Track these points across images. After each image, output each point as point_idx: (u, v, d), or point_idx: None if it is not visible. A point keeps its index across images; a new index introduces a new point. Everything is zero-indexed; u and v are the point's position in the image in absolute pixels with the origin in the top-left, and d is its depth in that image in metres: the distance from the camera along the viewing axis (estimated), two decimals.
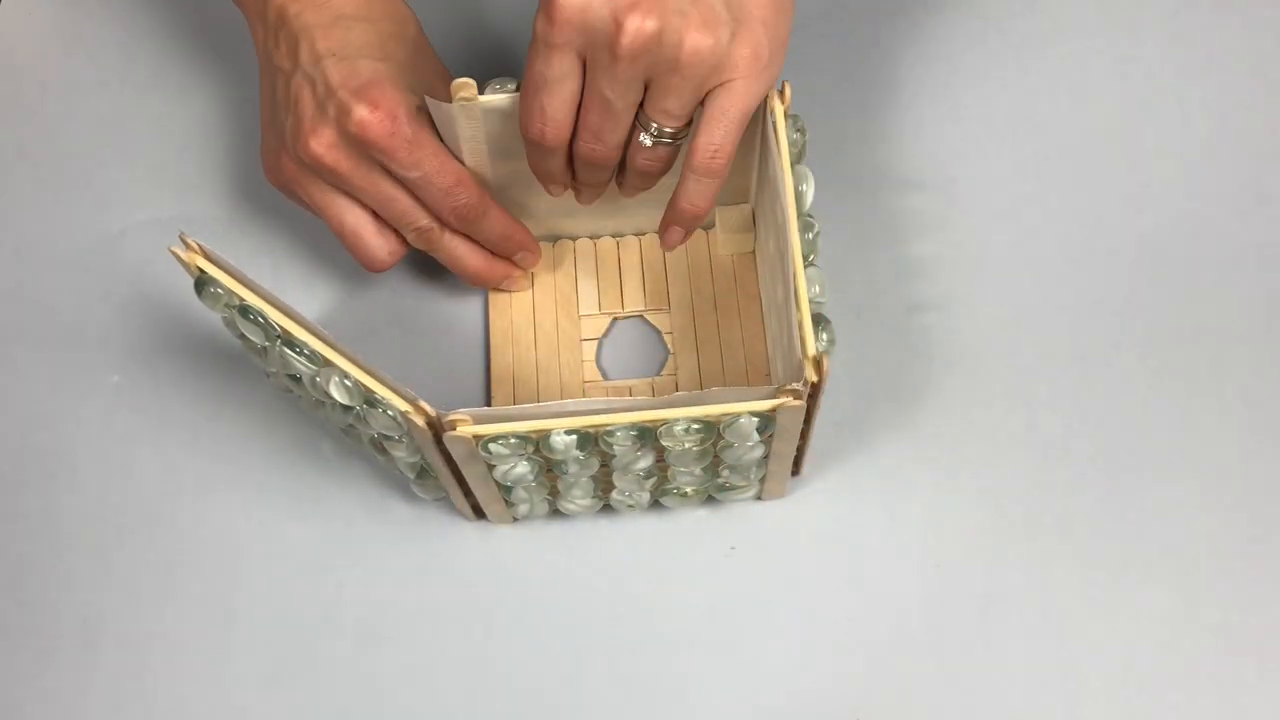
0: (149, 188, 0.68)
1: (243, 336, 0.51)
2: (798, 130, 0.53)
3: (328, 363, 0.49)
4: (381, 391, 0.48)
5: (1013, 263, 0.64)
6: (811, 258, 0.51)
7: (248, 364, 0.63)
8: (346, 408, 0.49)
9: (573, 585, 0.58)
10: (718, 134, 0.51)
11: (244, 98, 0.70)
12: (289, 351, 0.50)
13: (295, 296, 0.64)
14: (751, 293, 0.62)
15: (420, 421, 0.47)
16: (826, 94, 0.68)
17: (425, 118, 0.55)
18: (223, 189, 0.68)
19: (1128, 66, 0.69)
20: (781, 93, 0.52)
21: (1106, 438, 0.60)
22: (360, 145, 0.54)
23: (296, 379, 0.51)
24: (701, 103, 0.51)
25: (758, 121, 0.56)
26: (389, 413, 0.48)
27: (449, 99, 0.54)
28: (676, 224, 0.55)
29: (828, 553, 0.58)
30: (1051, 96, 0.68)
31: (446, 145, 0.56)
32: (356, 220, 0.57)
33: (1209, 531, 0.58)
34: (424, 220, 0.57)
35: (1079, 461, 0.59)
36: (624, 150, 0.53)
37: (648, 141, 0.52)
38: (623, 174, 0.55)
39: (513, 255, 0.61)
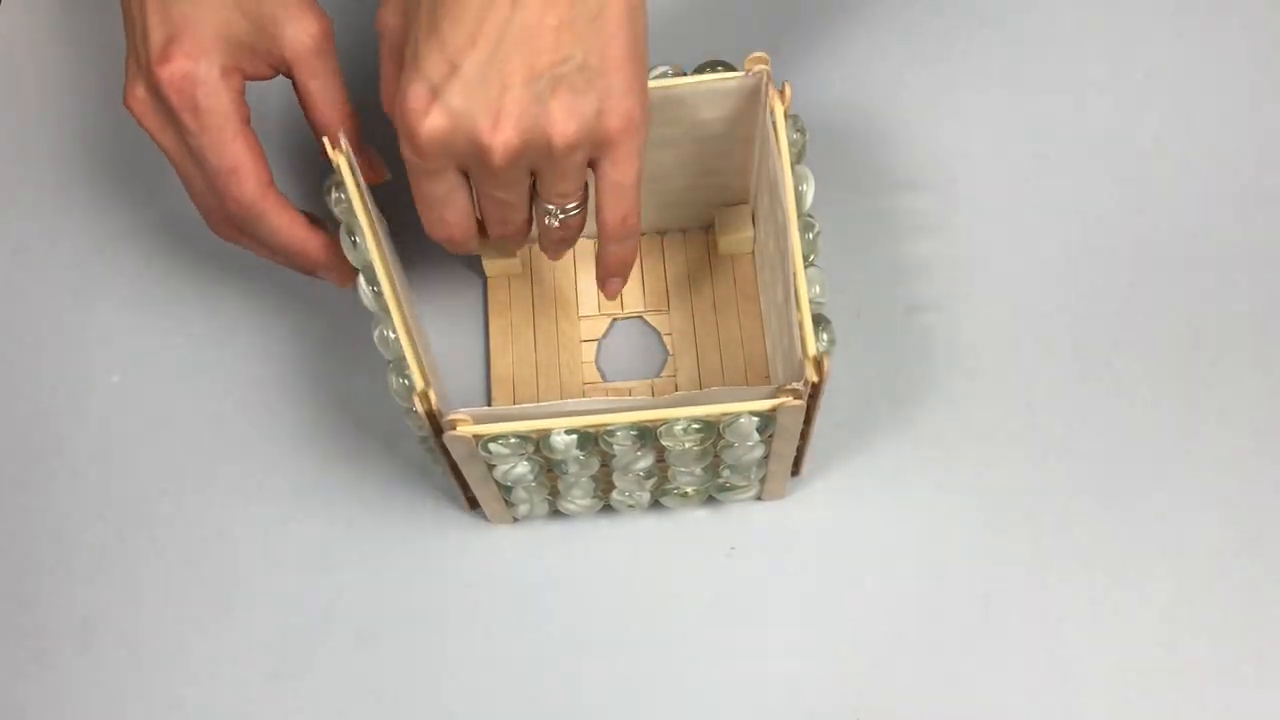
0: (150, 188, 0.68)
1: (354, 246, 0.52)
2: (798, 130, 0.53)
3: (386, 311, 0.50)
4: (410, 360, 0.49)
5: (1013, 263, 0.64)
6: (812, 258, 0.51)
7: (248, 364, 0.63)
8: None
9: (573, 585, 0.58)
10: (621, 205, 0.51)
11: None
12: (362, 283, 0.51)
13: (296, 295, 0.64)
14: (751, 293, 0.62)
15: (420, 409, 0.47)
16: (826, 94, 0.68)
17: (236, 81, 0.52)
18: None
19: (1128, 66, 0.69)
20: (782, 92, 0.52)
21: (1106, 438, 0.60)
22: (162, 101, 0.52)
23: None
24: (592, 167, 0.50)
25: (757, 121, 0.56)
26: (405, 381, 0.49)
27: (310, 29, 0.53)
28: (612, 276, 0.56)
29: (827, 552, 0.58)
30: (1051, 96, 0.68)
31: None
32: (186, 175, 0.55)
33: (1208, 531, 0.58)
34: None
35: (1079, 461, 0.59)
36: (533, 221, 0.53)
37: (554, 222, 0.52)
38: (543, 240, 0.55)
39: (306, 271, 0.56)
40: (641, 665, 0.57)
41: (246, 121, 0.53)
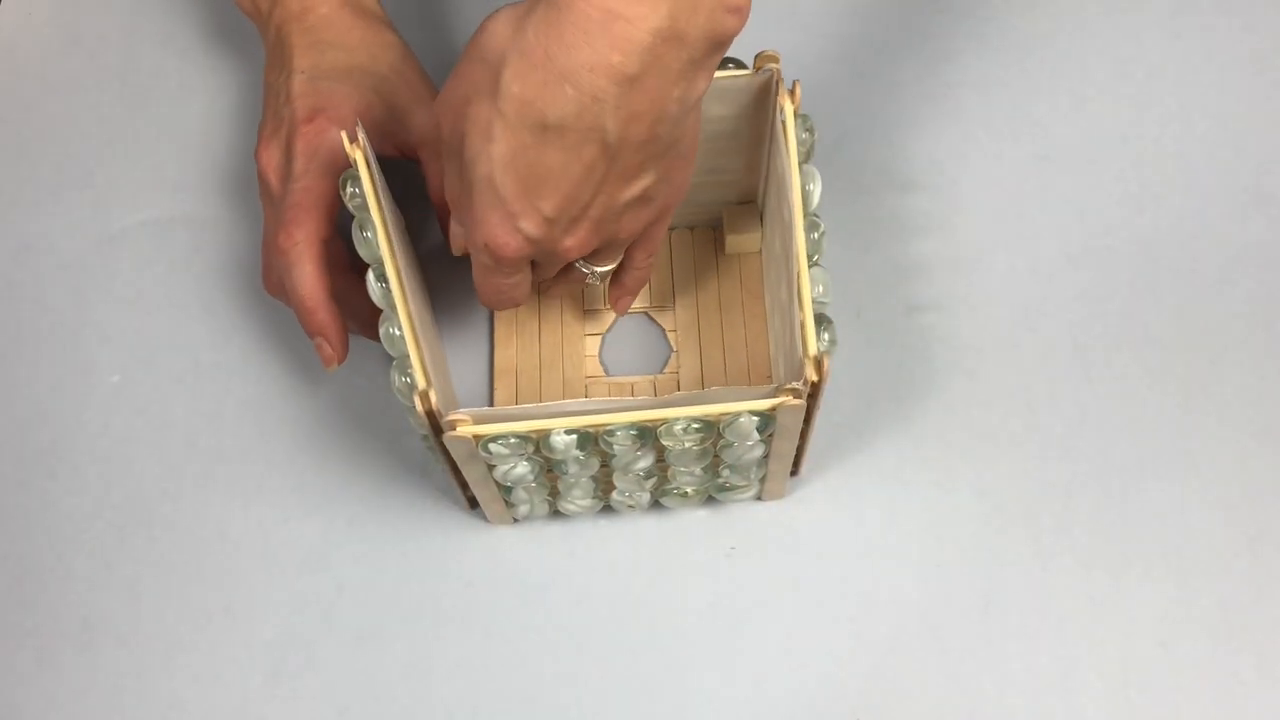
0: (149, 188, 0.68)
1: (365, 241, 0.52)
2: (807, 130, 0.53)
3: (393, 308, 0.50)
4: (414, 359, 0.49)
5: (1013, 263, 0.64)
6: (816, 258, 0.50)
7: (248, 364, 0.63)
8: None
9: (573, 585, 0.58)
10: (650, 248, 0.55)
11: (244, 98, 0.70)
12: (371, 278, 0.51)
13: None
14: (756, 293, 0.62)
15: (420, 409, 0.47)
16: (827, 94, 0.68)
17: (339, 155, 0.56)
18: (222, 189, 0.68)
19: (1128, 66, 0.69)
20: (792, 92, 0.52)
21: (1106, 438, 0.60)
22: (291, 159, 0.56)
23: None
24: None
25: (766, 120, 0.56)
26: (407, 379, 0.49)
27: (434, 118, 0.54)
28: (626, 295, 0.59)
29: (828, 553, 0.58)
30: (1051, 96, 0.68)
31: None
32: None
33: (1208, 531, 0.58)
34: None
35: (1079, 461, 0.59)
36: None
37: (595, 281, 0.55)
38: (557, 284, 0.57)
39: (310, 335, 0.57)
40: (641, 665, 0.57)
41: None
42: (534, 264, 0.52)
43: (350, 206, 0.52)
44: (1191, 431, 0.60)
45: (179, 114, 0.70)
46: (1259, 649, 0.56)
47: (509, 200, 0.46)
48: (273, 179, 0.57)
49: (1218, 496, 0.59)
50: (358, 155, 0.51)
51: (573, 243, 0.48)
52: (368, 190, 0.51)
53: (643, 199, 0.48)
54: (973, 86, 0.69)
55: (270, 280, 0.58)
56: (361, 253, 0.52)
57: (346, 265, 0.58)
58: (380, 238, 0.51)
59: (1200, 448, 0.60)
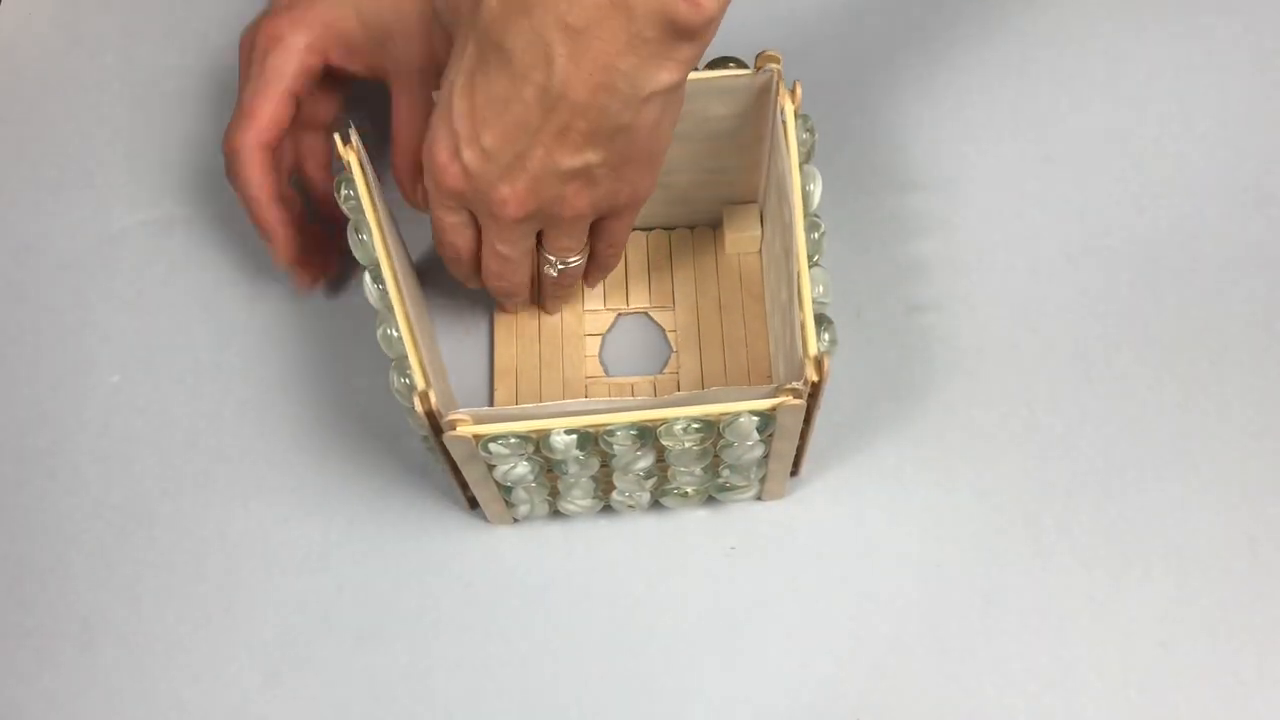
0: (149, 188, 0.68)
1: (360, 244, 0.53)
2: (807, 130, 0.53)
3: (390, 310, 0.50)
4: (412, 360, 0.49)
5: (1013, 263, 0.64)
6: (816, 258, 0.50)
7: (247, 364, 0.63)
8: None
9: (573, 585, 0.58)
10: (612, 243, 0.55)
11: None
12: (368, 280, 0.51)
13: (296, 295, 0.64)
14: (756, 293, 0.62)
15: (420, 409, 0.47)
16: (827, 94, 0.68)
17: (313, 60, 0.57)
18: (222, 189, 0.67)
19: (1128, 66, 0.69)
20: (793, 92, 0.52)
21: (1106, 438, 0.60)
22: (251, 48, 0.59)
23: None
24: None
25: (766, 120, 0.56)
26: (406, 380, 0.49)
27: (417, 53, 0.56)
28: (597, 272, 0.59)
29: (827, 552, 0.58)
30: (1051, 96, 0.68)
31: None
32: None
33: (1208, 531, 0.58)
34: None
35: (1079, 461, 0.59)
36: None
37: (553, 272, 0.55)
38: (542, 291, 0.58)
39: (273, 253, 0.60)
40: (641, 665, 0.57)
41: (294, 95, 0.57)
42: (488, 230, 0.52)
43: (345, 209, 0.52)
44: (1191, 431, 0.60)
45: (179, 114, 0.70)
46: (1259, 649, 0.56)
47: (457, 119, 0.47)
48: (242, 60, 0.59)
49: (1218, 496, 0.59)
50: (351, 158, 0.51)
51: (508, 192, 0.48)
52: (363, 193, 0.52)
53: (586, 177, 0.48)
54: (973, 86, 0.69)
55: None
56: (357, 255, 0.52)
57: (302, 214, 0.60)
58: (376, 240, 0.51)
59: (1200, 448, 0.60)
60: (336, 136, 0.52)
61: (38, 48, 0.72)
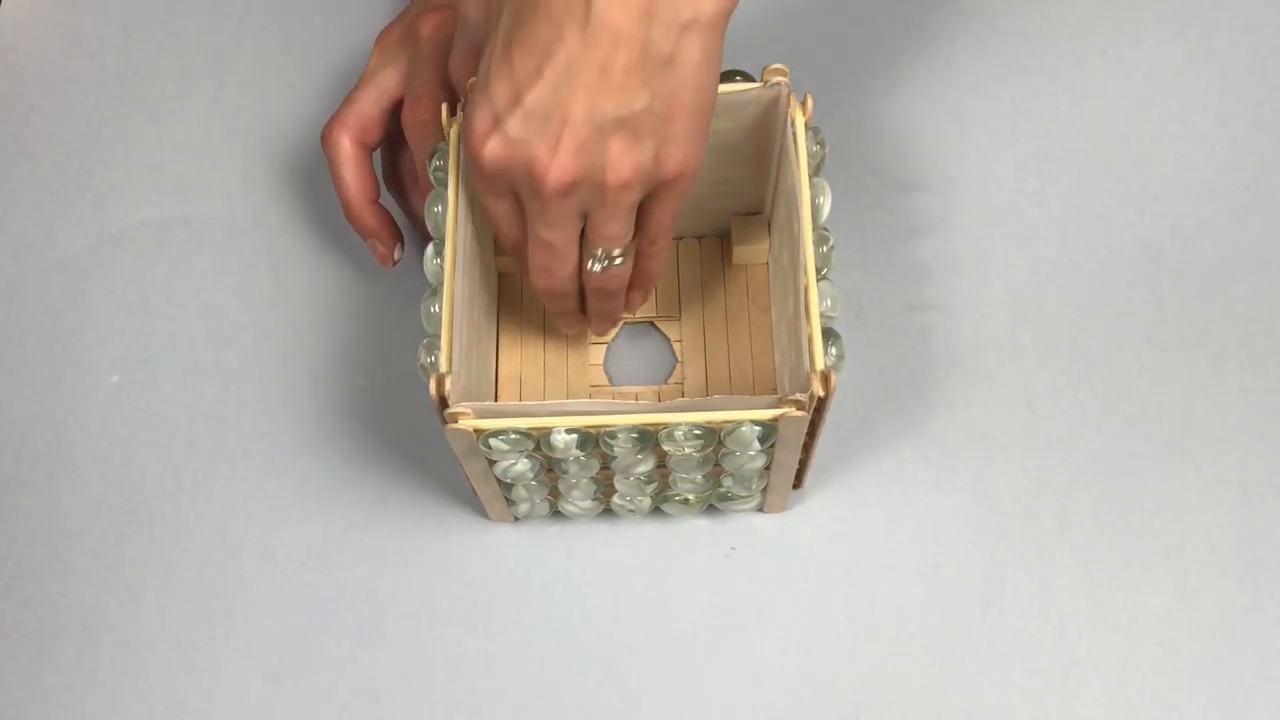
0: (149, 188, 0.68)
1: (433, 215, 0.53)
2: (817, 142, 0.53)
3: (439, 284, 0.51)
4: (444, 342, 0.49)
5: (1013, 263, 0.64)
6: (825, 271, 0.50)
7: (247, 364, 0.63)
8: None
9: (573, 586, 0.58)
10: (662, 239, 0.53)
11: (244, 98, 0.70)
12: (429, 251, 0.52)
13: (296, 296, 0.64)
14: (763, 304, 0.62)
15: (433, 391, 0.47)
16: (827, 95, 0.68)
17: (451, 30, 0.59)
18: (223, 189, 0.68)
19: (1128, 66, 0.69)
20: (804, 104, 0.52)
21: (1106, 438, 0.60)
22: (411, 36, 0.61)
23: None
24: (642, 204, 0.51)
25: (775, 132, 0.55)
26: (431, 360, 0.50)
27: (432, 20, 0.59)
28: (636, 290, 0.56)
29: (827, 552, 0.58)
30: (1051, 96, 0.68)
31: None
32: None
33: (1209, 530, 0.58)
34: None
35: (1079, 461, 0.59)
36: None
37: (597, 268, 0.52)
38: (585, 301, 0.55)
39: (363, 238, 0.62)
40: (642, 666, 0.57)
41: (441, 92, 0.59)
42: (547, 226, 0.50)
43: (431, 178, 0.53)
44: (1191, 431, 0.60)
45: (179, 114, 0.70)
46: (1259, 649, 0.56)
47: (495, 87, 0.47)
48: (388, 55, 0.61)
49: (1218, 496, 0.59)
50: (454, 131, 0.52)
51: (549, 155, 0.47)
52: (451, 167, 0.52)
53: (631, 129, 0.47)
54: (973, 86, 0.69)
55: (335, 130, 0.61)
56: (429, 225, 0.53)
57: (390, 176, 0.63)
58: (450, 214, 0.51)
59: (1200, 447, 0.60)
60: (444, 106, 0.52)
61: (38, 48, 0.72)
